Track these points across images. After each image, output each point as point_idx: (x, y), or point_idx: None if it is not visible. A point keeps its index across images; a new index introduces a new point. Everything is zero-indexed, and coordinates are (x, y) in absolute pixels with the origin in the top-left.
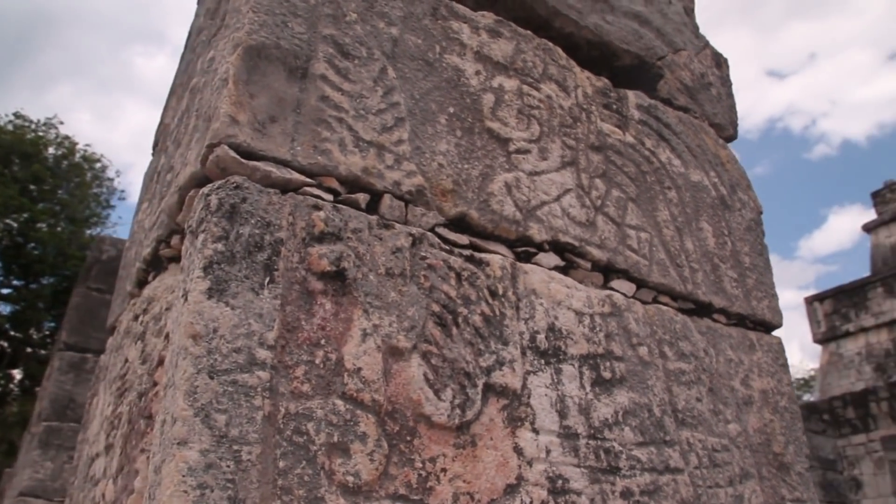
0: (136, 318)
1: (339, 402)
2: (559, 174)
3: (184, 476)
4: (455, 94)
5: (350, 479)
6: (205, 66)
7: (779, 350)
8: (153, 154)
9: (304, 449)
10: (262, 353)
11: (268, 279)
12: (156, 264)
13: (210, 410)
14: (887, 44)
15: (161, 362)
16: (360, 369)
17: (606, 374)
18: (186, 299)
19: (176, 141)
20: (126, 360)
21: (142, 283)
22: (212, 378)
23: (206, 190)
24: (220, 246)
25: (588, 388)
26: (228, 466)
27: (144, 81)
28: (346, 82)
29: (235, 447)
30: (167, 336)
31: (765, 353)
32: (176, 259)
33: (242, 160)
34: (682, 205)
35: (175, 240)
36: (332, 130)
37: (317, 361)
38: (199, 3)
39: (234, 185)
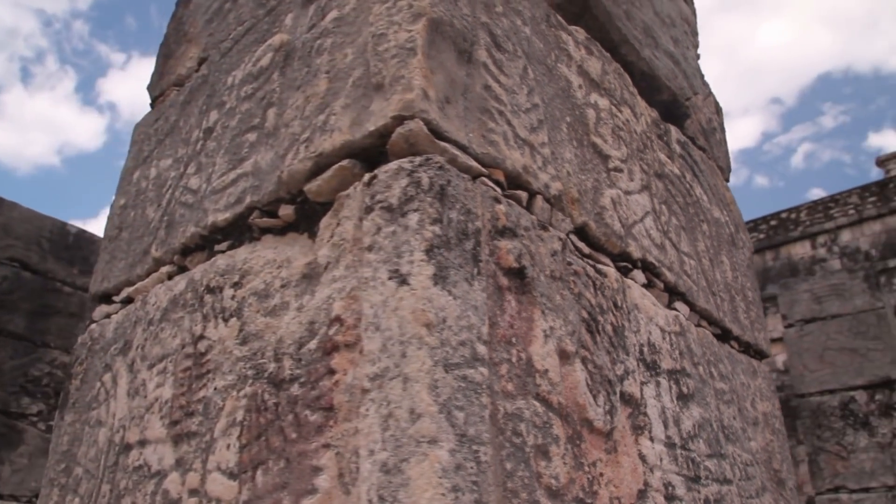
0: (209, 290)
1: (537, 404)
2: (641, 196)
3: (440, 478)
4: (568, 104)
5: (553, 482)
6: (322, 26)
7: (770, 377)
8: (155, 106)
9: (521, 450)
10: (481, 349)
11: (475, 270)
12: (233, 232)
13: (451, 407)
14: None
15: (333, 348)
16: (547, 371)
17: (684, 389)
18: (406, 283)
19: (263, 101)
20: (199, 337)
21: (188, 251)
22: (447, 372)
23: (406, 165)
24: (437, 229)
25: (675, 401)
26: (472, 468)
27: None
28: (501, 75)
29: (474, 447)
30: (338, 319)
31: (763, 378)
32: (275, 230)
33: (435, 139)
34: (711, 238)
35: (286, 210)
36: (495, 122)
37: (513, 360)
38: None
39: (439, 165)
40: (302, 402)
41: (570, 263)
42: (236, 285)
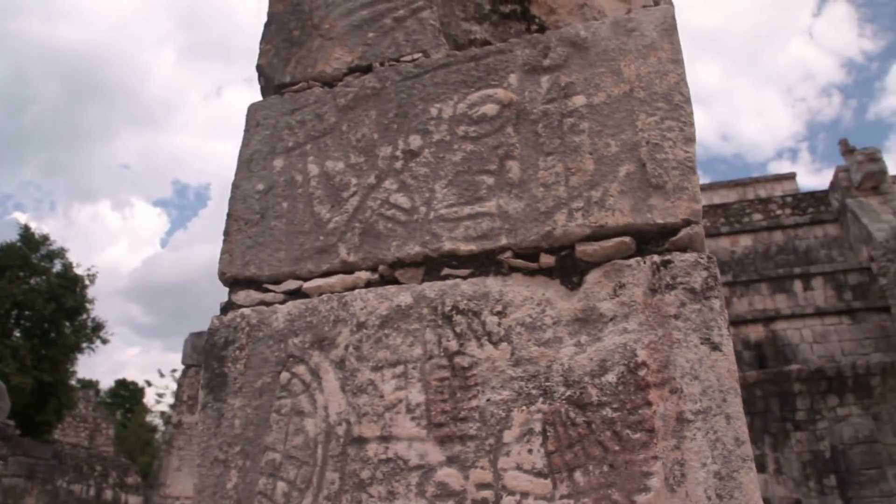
0: (458, 311)
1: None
2: None
3: (757, 483)
4: None
5: None
6: (569, 105)
7: None
8: (283, 93)
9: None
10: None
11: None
12: (472, 262)
13: (747, 437)
14: None
15: (646, 386)
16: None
17: None
18: (719, 350)
19: (497, 150)
20: (456, 352)
21: (399, 265)
22: (742, 413)
23: (701, 260)
24: (727, 313)
25: None
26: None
27: None
28: None
29: (749, 463)
30: (644, 364)
31: None
32: (524, 270)
33: (704, 240)
34: None
35: (546, 258)
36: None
37: None
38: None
39: (716, 262)
40: (621, 423)
41: None
42: (500, 314)
